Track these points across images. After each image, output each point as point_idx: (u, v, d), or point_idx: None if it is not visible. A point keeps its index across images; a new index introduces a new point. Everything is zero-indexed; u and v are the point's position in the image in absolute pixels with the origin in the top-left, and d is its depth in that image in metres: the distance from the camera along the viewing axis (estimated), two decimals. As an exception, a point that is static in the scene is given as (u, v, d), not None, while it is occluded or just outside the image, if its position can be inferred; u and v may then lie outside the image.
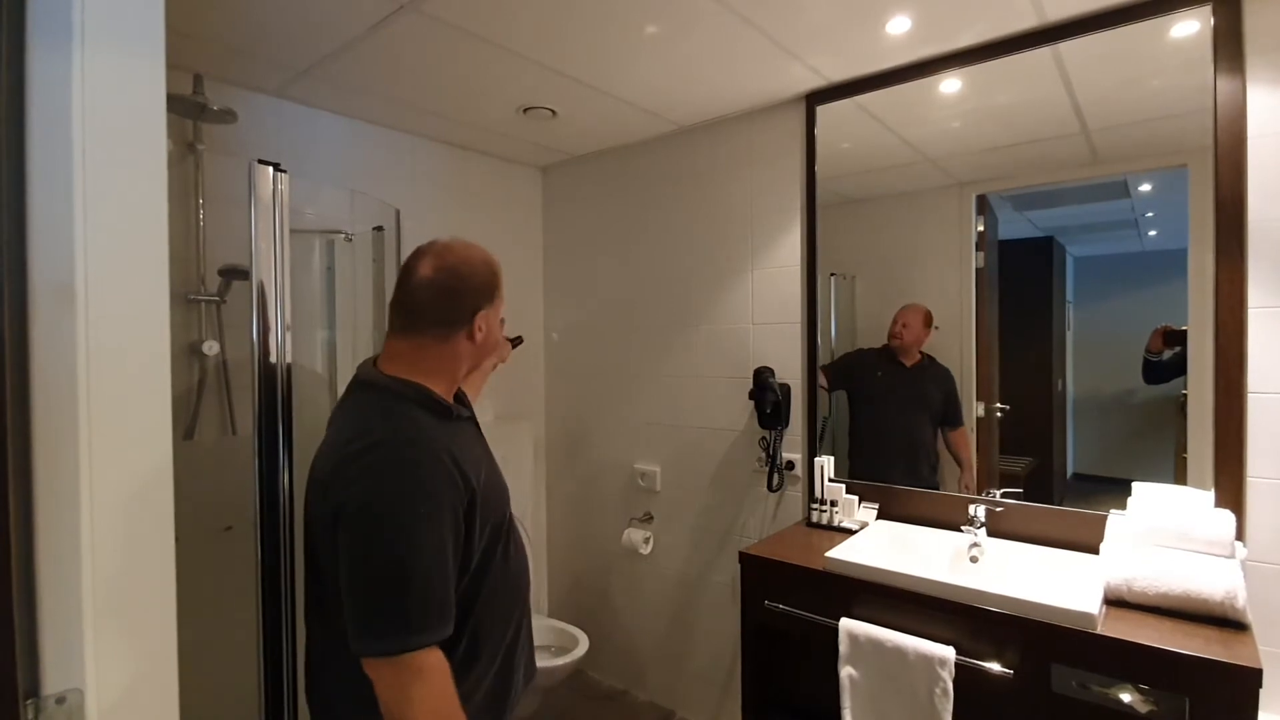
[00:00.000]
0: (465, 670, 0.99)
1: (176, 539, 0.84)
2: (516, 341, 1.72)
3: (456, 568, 0.95)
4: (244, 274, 1.40)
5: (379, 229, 1.78)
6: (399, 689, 0.88)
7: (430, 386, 1.02)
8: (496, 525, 1.04)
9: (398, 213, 1.78)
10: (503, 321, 1.11)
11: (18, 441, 0.73)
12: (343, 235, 1.86)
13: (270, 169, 1.28)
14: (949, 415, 1.89)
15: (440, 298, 1.01)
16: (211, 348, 1.78)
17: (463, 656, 0.99)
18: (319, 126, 2.13)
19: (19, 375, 0.73)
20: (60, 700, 0.73)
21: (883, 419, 2.06)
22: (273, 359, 1.29)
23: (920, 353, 1.95)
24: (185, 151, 1.77)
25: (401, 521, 0.89)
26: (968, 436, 1.85)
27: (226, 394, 1.84)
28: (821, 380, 2.08)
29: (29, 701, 0.72)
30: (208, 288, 1.81)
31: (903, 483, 1.91)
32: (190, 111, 1.73)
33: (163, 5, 0.83)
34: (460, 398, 1.14)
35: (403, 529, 0.89)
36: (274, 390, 1.29)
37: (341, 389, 1.10)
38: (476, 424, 1.15)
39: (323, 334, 1.81)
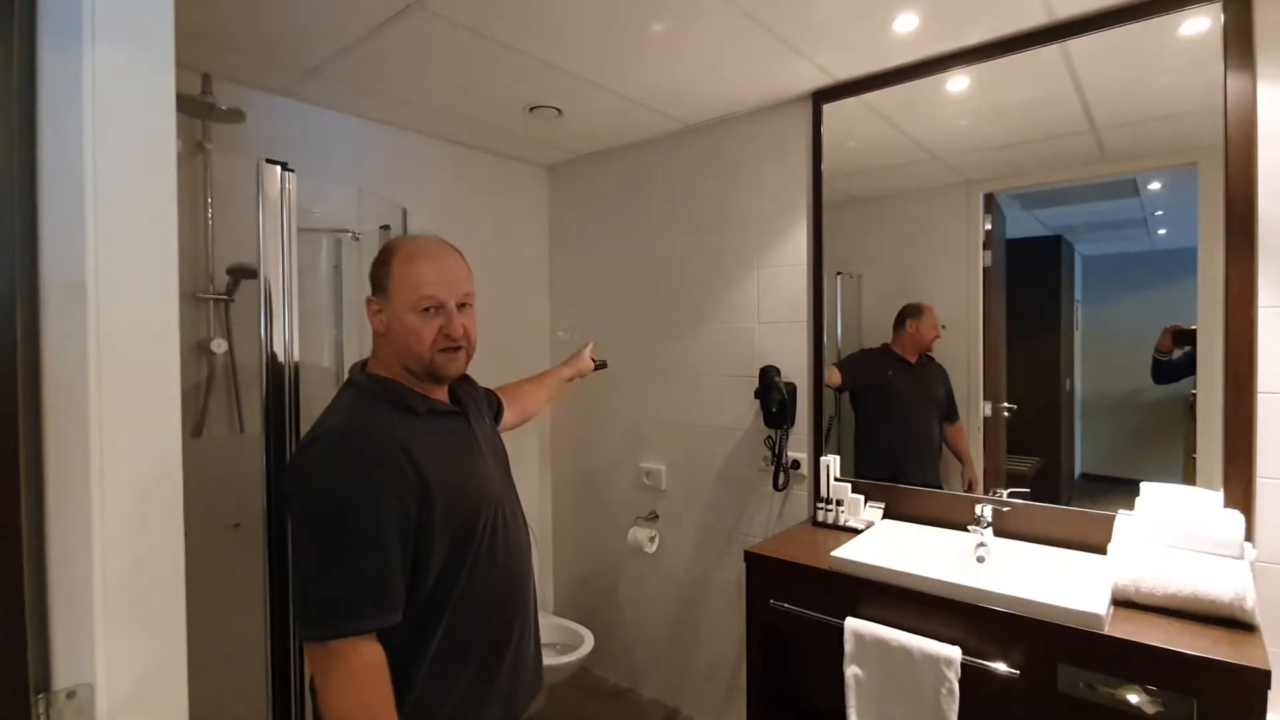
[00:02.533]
0: (438, 667, 0.98)
1: (185, 535, 0.85)
2: (600, 366, 1.77)
3: (408, 560, 0.94)
4: (252, 273, 1.41)
5: (385, 228, 1.79)
6: (326, 675, 0.88)
7: (403, 382, 1.04)
8: (466, 523, 1.01)
9: (404, 211, 1.79)
10: (430, 309, 1.03)
11: (29, 438, 0.73)
12: (350, 234, 1.87)
13: (278, 168, 1.28)
14: (949, 410, 1.90)
15: None
16: (220, 346, 1.79)
17: (436, 652, 0.98)
18: (326, 126, 2.14)
19: (30, 372, 0.74)
20: (71, 695, 0.74)
21: (897, 417, 2.07)
22: (280, 357, 1.30)
23: (918, 350, 1.96)
24: (194, 151, 1.78)
25: (337, 508, 0.90)
26: (965, 431, 1.85)
27: (235, 392, 1.85)
28: (833, 377, 2.07)
29: (40, 696, 0.73)
30: (216, 286, 1.82)
31: (914, 480, 1.91)
32: (199, 111, 1.74)
33: (172, 5, 0.84)
34: (455, 394, 1.15)
35: (338, 516, 0.89)
36: (281, 388, 1.30)
37: (348, 387, 1.11)
38: (469, 421, 1.13)
39: (330, 332, 1.83)
